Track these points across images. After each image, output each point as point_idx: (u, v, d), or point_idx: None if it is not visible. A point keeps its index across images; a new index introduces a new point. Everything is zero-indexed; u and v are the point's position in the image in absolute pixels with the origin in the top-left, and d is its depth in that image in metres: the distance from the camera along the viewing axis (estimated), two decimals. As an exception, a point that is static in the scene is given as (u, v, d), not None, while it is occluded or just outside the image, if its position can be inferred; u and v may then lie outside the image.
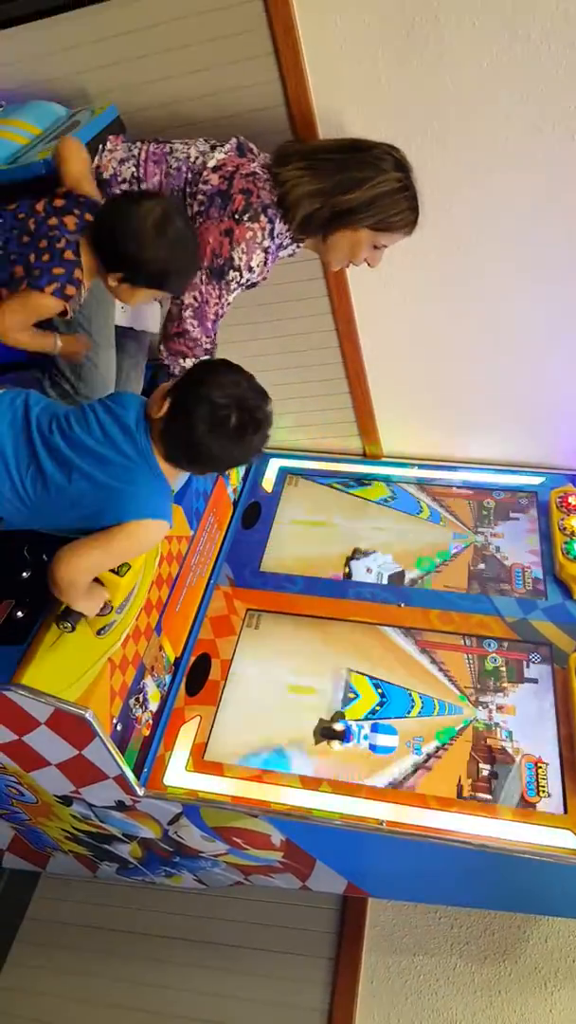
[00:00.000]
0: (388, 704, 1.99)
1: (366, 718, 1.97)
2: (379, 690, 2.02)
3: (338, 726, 1.95)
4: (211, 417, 1.46)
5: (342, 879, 1.97)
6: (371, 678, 2.04)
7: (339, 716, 1.96)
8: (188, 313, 1.81)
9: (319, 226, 1.82)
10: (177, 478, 1.61)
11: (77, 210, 1.63)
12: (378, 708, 1.98)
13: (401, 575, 2.34)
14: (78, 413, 1.56)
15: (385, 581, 2.32)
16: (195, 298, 1.80)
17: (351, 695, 2.01)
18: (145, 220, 1.57)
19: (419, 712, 1.98)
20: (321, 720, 1.96)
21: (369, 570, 2.35)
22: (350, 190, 1.76)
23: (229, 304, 1.86)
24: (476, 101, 1.90)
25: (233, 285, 1.81)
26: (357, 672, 2.06)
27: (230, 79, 1.94)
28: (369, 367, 2.46)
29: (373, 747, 1.92)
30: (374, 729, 1.95)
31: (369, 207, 1.77)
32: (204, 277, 1.78)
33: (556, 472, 2.55)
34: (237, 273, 1.79)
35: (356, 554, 2.40)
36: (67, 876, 2.45)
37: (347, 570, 2.36)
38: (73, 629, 1.64)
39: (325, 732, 1.94)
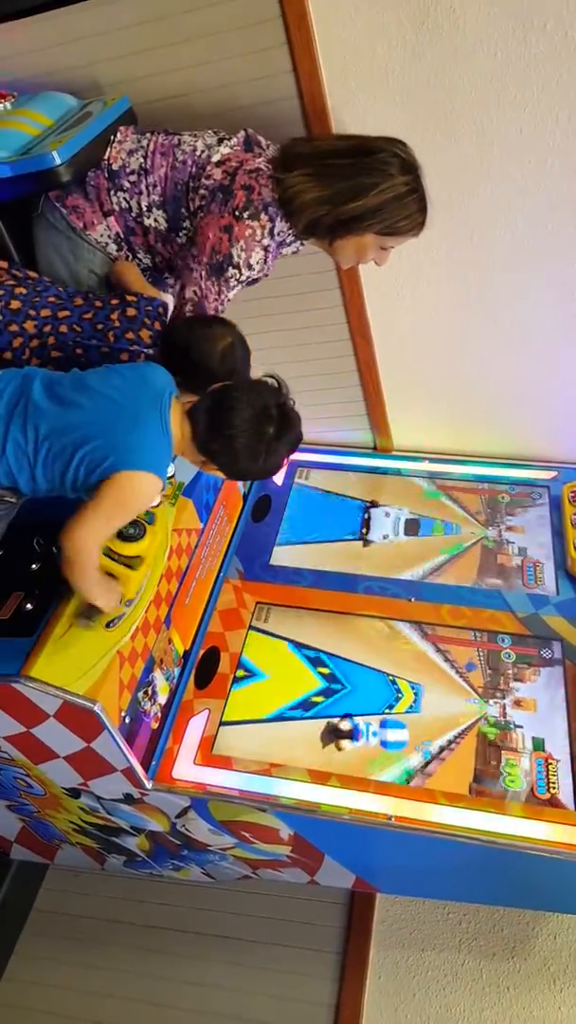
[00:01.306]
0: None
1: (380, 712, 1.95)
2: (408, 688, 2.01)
3: (345, 725, 1.93)
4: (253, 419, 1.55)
5: (350, 874, 1.97)
6: (374, 670, 2.03)
7: (347, 715, 1.95)
8: (188, 308, 1.81)
9: (324, 231, 1.80)
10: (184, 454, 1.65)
11: (148, 320, 1.74)
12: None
13: (416, 523, 2.41)
14: (101, 370, 1.61)
15: (402, 527, 2.39)
16: (195, 292, 1.79)
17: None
18: (213, 356, 1.69)
19: (408, 707, 1.97)
20: (328, 722, 1.94)
21: (387, 514, 2.45)
22: (356, 197, 1.71)
23: (229, 300, 1.85)
24: (490, 92, 1.89)
25: (232, 282, 1.80)
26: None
27: (243, 70, 1.93)
28: (381, 361, 2.45)
29: (384, 743, 1.91)
30: (383, 725, 1.94)
31: (376, 213, 1.74)
32: (204, 273, 1.78)
33: (568, 467, 2.53)
34: (236, 270, 1.78)
35: (374, 503, 2.49)
36: (75, 868, 2.46)
37: (367, 516, 2.43)
38: (92, 625, 1.64)
39: (332, 732, 1.92)
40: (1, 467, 1.51)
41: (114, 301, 1.78)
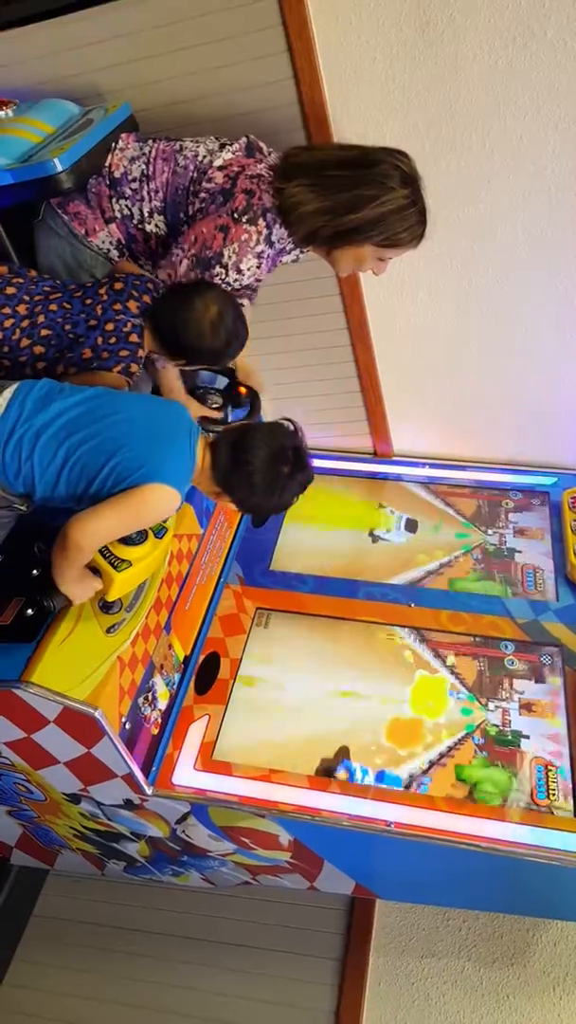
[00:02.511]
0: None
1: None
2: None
3: (340, 772, 1.88)
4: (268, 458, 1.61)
5: (350, 880, 1.97)
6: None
7: (343, 754, 1.92)
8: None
9: (323, 242, 1.80)
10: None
11: (136, 292, 1.76)
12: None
13: (415, 523, 2.46)
14: (136, 394, 1.73)
15: (403, 524, 2.44)
16: (168, 275, 1.81)
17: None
18: (203, 321, 1.70)
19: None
20: (323, 759, 1.91)
21: (391, 512, 2.51)
22: (355, 209, 1.71)
23: None
24: (490, 99, 1.89)
25: (217, 280, 1.79)
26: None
27: (244, 77, 1.94)
28: (380, 366, 2.45)
29: (380, 779, 1.88)
30: (379, 779, 1.87)
31: (374, 226, 1.73)
32: (188, 263, 1.78)
33: (568, 472, 2.54)
34: (223, 270, 1.77)
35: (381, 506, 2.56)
36: (75, 874, 2.45)
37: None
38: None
39: (325, 773, 1.88)
40: (23, 472, 1.53)
41: (104, 279, 1.80)
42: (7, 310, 1.71)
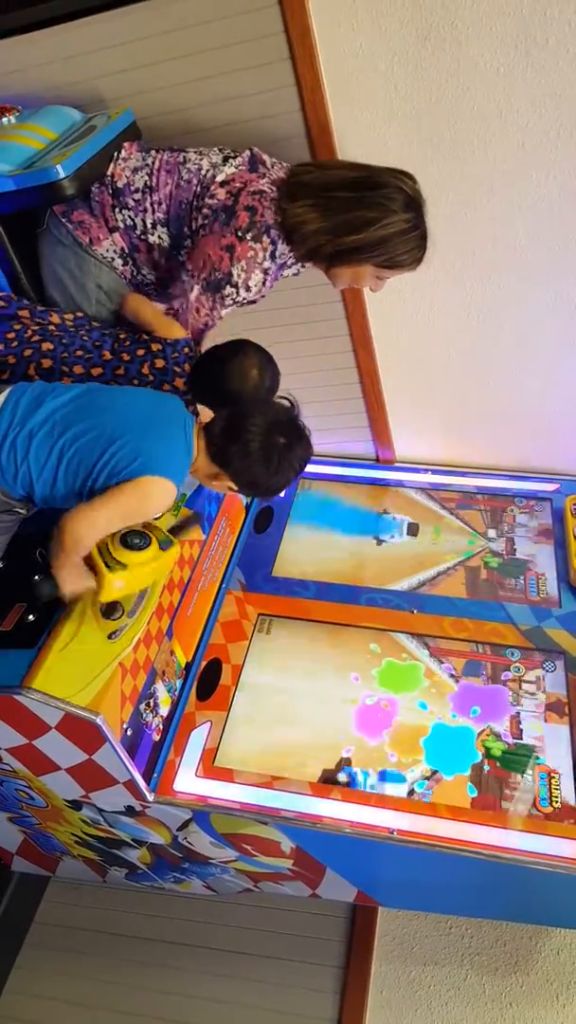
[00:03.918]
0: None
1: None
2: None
3: (342, 776, 1.89)
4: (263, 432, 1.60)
5: (352, 887, 1.96)
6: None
7: (344, 763, 1.91)
8: (171, 316, 1.85)
9: (323, 259, 1.81)
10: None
11: (178, 368, 1.80)
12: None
13: (417, 527, 2.49)
14: (128, 387, 1.74)
15: (405, 529, 2.47)
16: (182, 305, 1.83)
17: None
18: (247, 378, 1.78)
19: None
20: (324, 770, 1.90)
21: (394, 518, 2.53)
22: (357, 231, 1.72)
23: (221, 318, 1.86)
24: (492, 107, 1.89)
25: (228, 300, 1.82)
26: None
27: (246, 85, 1.94)
28: (383, 373, 2.45)
29: (382, 778, 1.89)
30: (382, 778, 1.88)
31: (374, 247, 1.74)
32: (199, 288, 1.79)
33: (570, 478, 2.54)
34: (234, 290, 1.79)
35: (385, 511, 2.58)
36: (76, 881, 2.45)
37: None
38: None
39: (328, 781, 1.89)
40: (20, 475, 1.53)
41: (140, 352, 1.80)
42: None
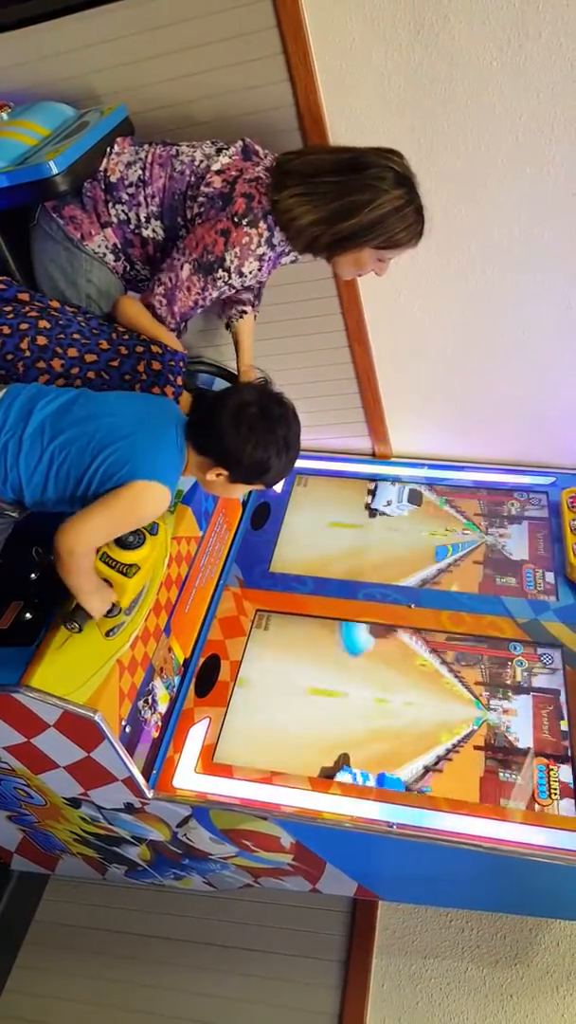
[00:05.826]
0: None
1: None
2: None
3: (342, 775, 1.88)
4: (235, 410, 1.58)
5: (352, 882, 1.96)
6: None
7: (343, 760, 1.92)
8: (160, 291, 1.83)
9: (322, 250, 1.79)
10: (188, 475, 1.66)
11: (172, 376, 1.79)
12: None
13: (419, 494, 2.53)
14: (119, 392, 1.73)
15: (406, 495, 2.51)
16: (170, 279, 1.81)
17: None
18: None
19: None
20: (323, 768, 1.90)
21: (394, 483, 2.58)
22: (350, 215, 1.70)
23: (212, 299, 1.84)
24: (486, 100, 1.89)
25: (220, 283, 1.80)
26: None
27: (239, 79, 1.93)
28: (379, 367, 2.45)
29: (380, 782, 1.88)
30: (380, 782, 1.87)
31: (371, 229, 1.72)
32: (191, 267, 1.78)
33: (567, 472, 2.54)
34: (226, 273, 1.78)
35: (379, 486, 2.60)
36: (76, 879, 2.45)
37: (372, 486, 2.57)
38: (80, 630, 1.63)
39: (327, 777, 1.88)
40: (10, 479, 1.52)
41: (139, 349, 1.80)
42: (41, 364, 1.72)
